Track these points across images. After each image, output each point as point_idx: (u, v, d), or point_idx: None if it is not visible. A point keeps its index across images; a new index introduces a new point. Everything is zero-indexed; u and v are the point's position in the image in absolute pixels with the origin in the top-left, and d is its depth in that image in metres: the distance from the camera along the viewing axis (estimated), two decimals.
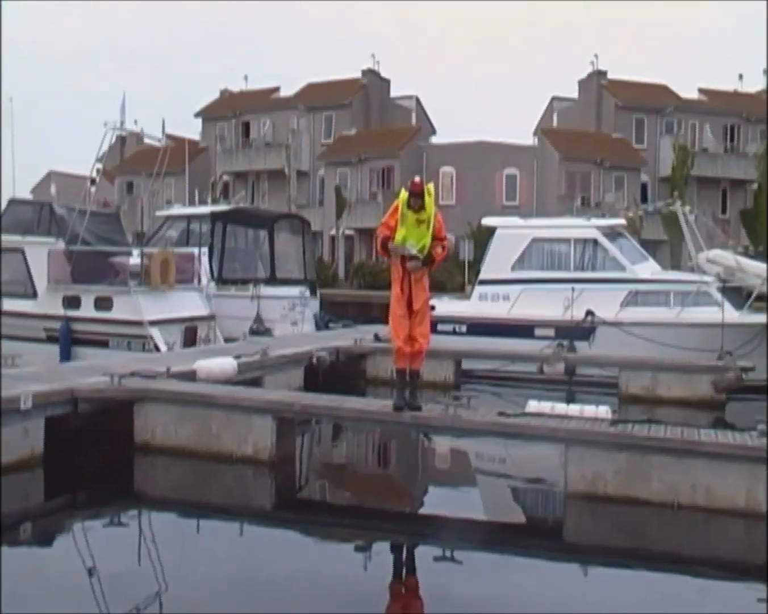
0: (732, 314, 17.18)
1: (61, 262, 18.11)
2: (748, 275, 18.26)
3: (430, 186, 9.40)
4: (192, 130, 58.51)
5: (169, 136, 20.86)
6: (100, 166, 21.37)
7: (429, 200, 9.24)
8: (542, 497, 10.42)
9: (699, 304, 17.85)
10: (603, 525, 8.82)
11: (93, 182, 20.59)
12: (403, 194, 9.31)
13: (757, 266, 19.07)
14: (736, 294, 18.33)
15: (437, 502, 9.97)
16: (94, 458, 10.07)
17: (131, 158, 57.54)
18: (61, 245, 18.51)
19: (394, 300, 9.57)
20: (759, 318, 17.38)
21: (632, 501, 8.63)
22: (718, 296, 17.75)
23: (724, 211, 50.39)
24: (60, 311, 17.48)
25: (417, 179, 9.35)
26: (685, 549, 8.07)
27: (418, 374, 9.94)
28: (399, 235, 9.29)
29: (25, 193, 34.57)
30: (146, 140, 24.31)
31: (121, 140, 57.43)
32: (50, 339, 17.33)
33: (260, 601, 6.41)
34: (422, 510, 9.86)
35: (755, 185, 48.38)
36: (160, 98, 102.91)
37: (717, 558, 7.95)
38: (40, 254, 18.11)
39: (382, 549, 8.19)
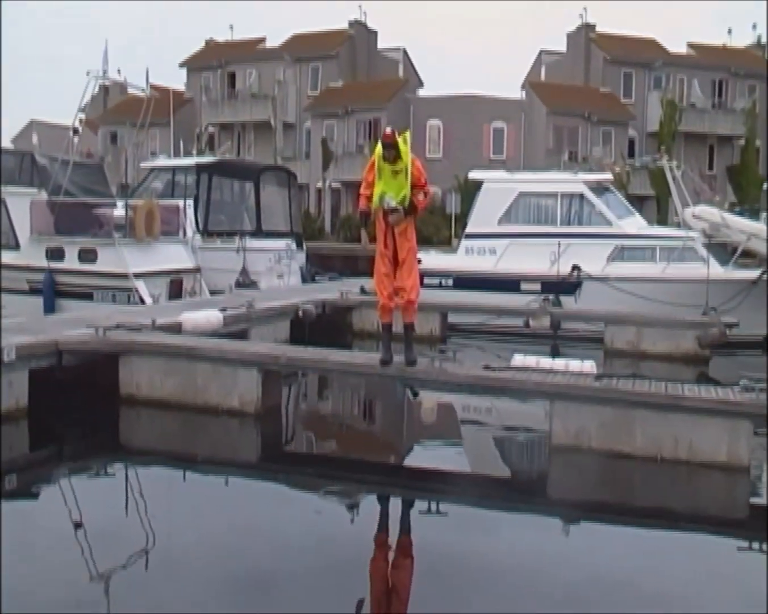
0: (717, 270, 17.25)
1: (44, 213, 17.95)
2: (733, 231, 18.29)
3: (406, 134, 9.24)
4: (177, 80, 57.90)
5: (153, 87, 20.65)
6: (82, 116, 21.12)
7: (404, 149, 9.06)
8: (527, 450, 10.48)
9: (684, 259, 17.89)
10: (587, 479, 8.87)
11: (76, 132, 20.36)
12: (379, 148, 9.18)
13: (742, 222, 19.10)
14: (722, 250, 18.39)
15: (422, 455, 10.04)
16: (79, 411, 10.03)
17: (115, 109, 56.80)
18: (43, 195, 18.36)
19: (377, 257, 9.48)
20: (744, 274, 17.47)
21: (616, 455, 8.69)
22: (703, 251, 17.78)
23: (711, 167, 50.31)
24: (43, 262, 17.36)
25: (388, 130, 9.13)
26: (668, 502, 8.14)
27: (411, 326, 9.74)
28: (377, 189, 9.17)
29: (5, 143, 34.23)
30: (130, 90, 24.07)
31: (105, 90, 56.63)
32: (33, 291, 17.25)
33: (247, 552, 6.44)
34: (408, 463, 9.90)
35: (742, 141, 48.38)
36: (144, 48, 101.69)
37: (699, 511, 8.04)
38: (22, 204, 17.93)
39: (367, 501, 8.23)
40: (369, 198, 9.33)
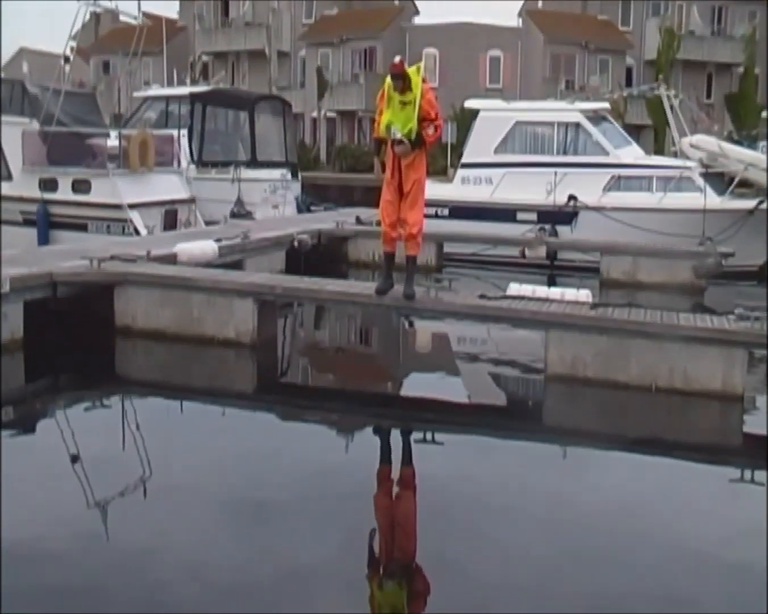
0: (714, 200, 17.17)
1: (36, 143, 17.74)
2: (731, 160, 18.17)
3: (420, 65, 9.07)
4: (170, 8, 56.97)
5: (145, 15, 20.26)
6: (73, 44, 20.86)
7: (416, 80, 8.86)
8: (522, 379, 10.53)
9: (681, 189, 17.81)
10: (582, 408, 8.93)
11: (67, 60, 20.13)
12: (388, 79, 9.03)
13: (740, 151, 19.00)
14: (719, 180, 18.28)
15: (419, 385, 10.06)
16: (74, 342, 10.03)
17: (107, 37, 55.84)
18: (35, 125, 18.12)
19: (384, 184, 9.38)
20: (740, 204, 17.41)
21: (611, 384, 8.73)
22: (700, 181, 17.69)
23: (709, 95, 49.77)
24: (36, 193, 17.20)
25: (397, 59, 8.93)
26: (663, 431, 8.20)
27: (412, 260, 9.61)
28: (384, 118, 9.04)
29: None
30: (122, 18, 23.59)
31: (96, 17, 55.70)
32: (27, 223, 17.11)
33: (245, 481, 6.49)
34: (404, 393, 9.95)
35: (741, 69, 47.84)
36: None
37: (693, 440, 8.10)
38: (13, 134, 17.67)
39: (364, 432, 8.29)
40: (380, 128, 9.21)
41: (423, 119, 8.98)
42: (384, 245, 9.63)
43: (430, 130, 9.10)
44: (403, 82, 8.86)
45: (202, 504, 6.02)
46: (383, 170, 9.59)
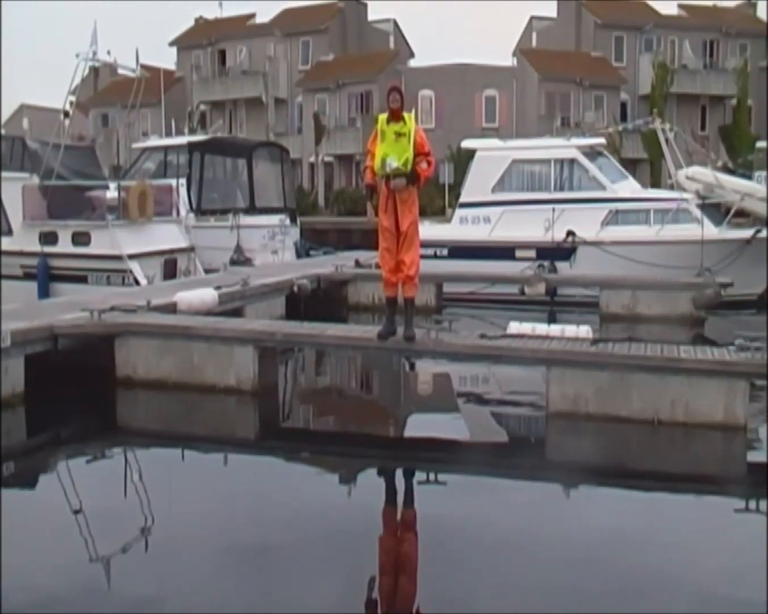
0: (711, 231, 17.24)
1: (36, 197, 17.85)
2: (727, 191, 18.30)
3: (411, 115, 9.15)
4: (167, 60, 57.50)
5: (143, 67, 20.43)
6: (73, 98, 21.01)
7: (408, 115, 9.03)
8: (525, 417, 10.49)
9: (679, 221, 17.90)
10: (585, 444, 8.91)
11: (66, 114, 20.25)
12: (381, 117, 9.13)
13: (736, 182, 19.10)
14: (716, 211, 18.37)
15: (421, 426, 10.04)
16: (75, 395, 10.00)
17: (105, 90, 56.49)
18: (35, 180, 18.24)
19: (380, 230, 9.41)
20: (738, 234, 17.50)
21: (613, 419, 8.71)
22: (697, 212, 17.79)
23: (703, 127, 50.13)
24: (37, 247, 17.27)
25: (395, 81, 9.11)
26: (666, 464, 8.17)
27: (411, 301, 9.64)
28: (379, 152, 9.05)
29: None
30: (120, 71, 23.82)
31: (95, 71, 56.17)
32: (27, 276, 17.16)
33: (248, 529, 6.44)
34: (407, 435, 9.91)
35: (734, 101, 48.20)
36: (134, 28, 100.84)
37: (697, 472, 8.07)
38: (14, 189, 17.79)
39: (367, 475, 8.24)
40: (374, 171, 9.24)
41: (417, 154, 9.05)
42: (385, 290, 9.67)
43: (424, 165, 9.17)
44: (400, 99, 8.98)
45: (206, 553, 5.98)
46: (377, 214, 9.64)
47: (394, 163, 8.95)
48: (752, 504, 6.88)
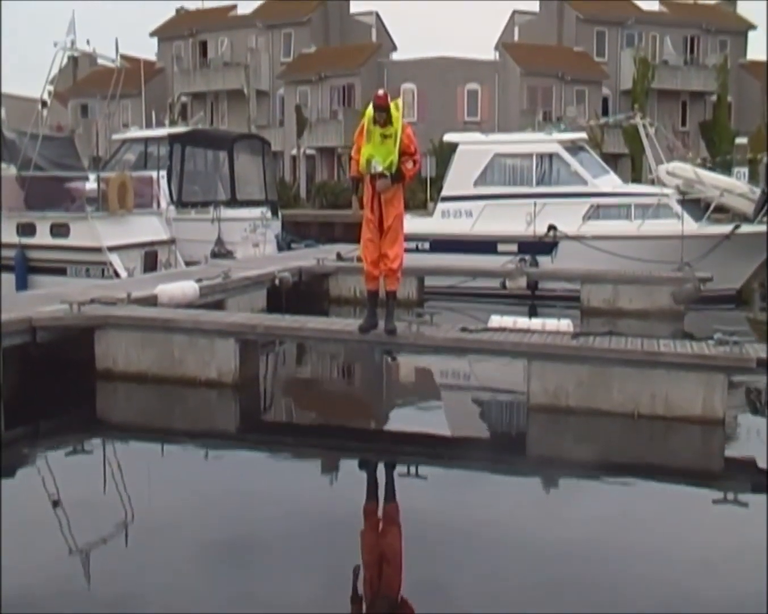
0: (691, 226, 17.34)
1: (14, 188, 17.69)
2: (707, 186, 18.39)
3: (398, 101, 9.12)
4: (148, 50, 57.23)
5: (123, 57, 20.30)
6: (51, 88, 20.80)
7: (396, 115, 8.95)
8: (506, 411, 10.53)
9: (659, 216, 17.97)
10: (566, 437, 8.93)
11: (44, 104, 20.09)
12: (369, 111, 9.04)
13: (715, 177, 19.23)
14: (696, 206, 18.46)
15: (402, 419, 10.04)
16: (55, 388, 9.94)
17: (85, 80, 55.95)
18: (12, 170, 18.11)
19: (363, 223, 9.38)
20: (717, 229, 17.61)
21: (594, 413, 8.74)
22: (678, 208, 17.88)
23: (683, 123, 50.39)
24: (14, 239, 17.11)
25: (381, 91, 9.00)
26: (646, 457, 8.21)
27: (392, 295, 9.63)
28: (364, 152, 9.03)
29: None
30: (100, 61, 23.69)
31: (74, 61, 55.81)
32: (5, 268, 16.98)
33: (229, 522, 6.44)
34: (387, 428, 9.91)
35: (714, 97, 48.47)
36: (114, 18, 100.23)
37: (676, 465, 8.12)
38: None
39: (348, 468, 8.24)
40: (359, 163, 9.20)
41: (402, 153, 9.03)
42: (367, 283, 9.64)
43: (410, 165, 9.15)
44: (386, 115, 8.90)
45: (186, 546, 5.97)
46: (361, 206, 9.62)
47: (378, 166, 8.95)
48: (730, 496, 6.93)
